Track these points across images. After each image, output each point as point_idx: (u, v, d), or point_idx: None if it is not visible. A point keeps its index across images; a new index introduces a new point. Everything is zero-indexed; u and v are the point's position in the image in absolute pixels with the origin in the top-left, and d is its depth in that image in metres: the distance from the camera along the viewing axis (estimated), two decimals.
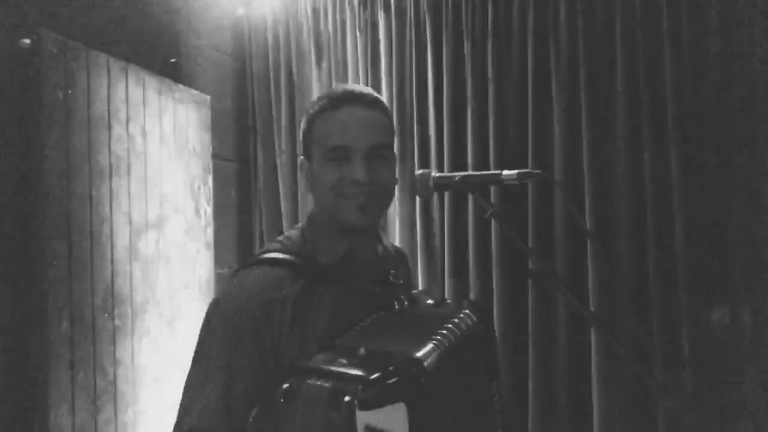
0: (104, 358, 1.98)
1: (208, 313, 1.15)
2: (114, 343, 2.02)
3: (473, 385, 1.14)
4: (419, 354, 0.97)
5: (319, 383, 0.95)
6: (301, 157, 1.26)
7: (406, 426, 0.90)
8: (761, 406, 2.55)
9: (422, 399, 0.93)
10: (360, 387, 0.91)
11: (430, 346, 1.00)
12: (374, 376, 0.92)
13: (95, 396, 1.93)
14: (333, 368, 0.98)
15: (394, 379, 0.91)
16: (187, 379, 1.12)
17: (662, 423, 2.62)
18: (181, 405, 1.11)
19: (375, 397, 0.90)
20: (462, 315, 1.11)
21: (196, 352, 1.13)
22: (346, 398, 0.91)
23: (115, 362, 2.03)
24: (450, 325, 1.06)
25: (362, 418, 0.90)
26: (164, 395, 2.25)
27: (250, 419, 1.11)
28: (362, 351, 0.99)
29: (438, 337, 1.02)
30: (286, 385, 0.98)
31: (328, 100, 1.22)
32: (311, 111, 1.24)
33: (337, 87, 1.26)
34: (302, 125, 1.26)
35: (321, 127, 1.20)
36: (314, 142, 1.21)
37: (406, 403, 0.91)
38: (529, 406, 2.73)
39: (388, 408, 0.90)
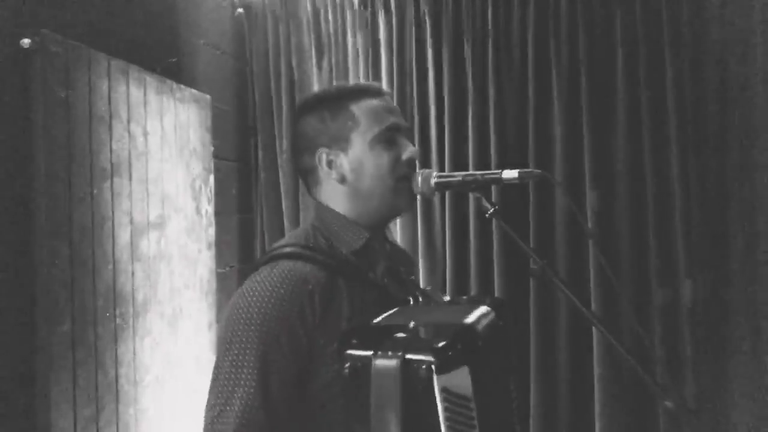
0: (106, 357, 1.98)
1: (235, 313, 1.11)
2: (115, 343, 2.03)
3: (496, 373, 1.17)
4: (469, 321, 1.04)
5: (390, 355, 0.96)
6: (322, 148, 1.22)
7: (471, 387, 0.96)
8: (761, 405, 2.54)
9: (477, 363, 0.99)
10: (431, 354, 0.95)
11: (474, 315, 1.07)
12: (441, 343, 0.96)
13: (97, 395, 1.93)
14: (395, 341, 0.98)
15: (460, 345, 0.97)
16: (217, 379, 1.09)
17: (662, 423, 2.62)
18: (216, 404, 1.07)
19: (447, 361, 0.95)
20: (483, 308, 1.14)
21: (226, 351, 1.09)
22: (423, 365, 0.94)
23: (117, 362, 2.03)
24: (476, 313, 1.11)
25: (439, 382, 0.95)
26: (166, 395, 2.25)
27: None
28: (412, 324, 1.02)
29: (473, 316, 1.08)
30: (348, 364, 0.99)
31: (360, 90, 1.23)
32: (342, 99, 1.22)
33: (356, 82, 1.28)
34: (328, 113, 1.22)
35: (364, 112, 1.20)
36: (356, 127, 1.20)
37: (469, 366, 0.97)
38: (530, 405, 2.74)
39: (457, 371, 0.96)
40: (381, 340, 0.99)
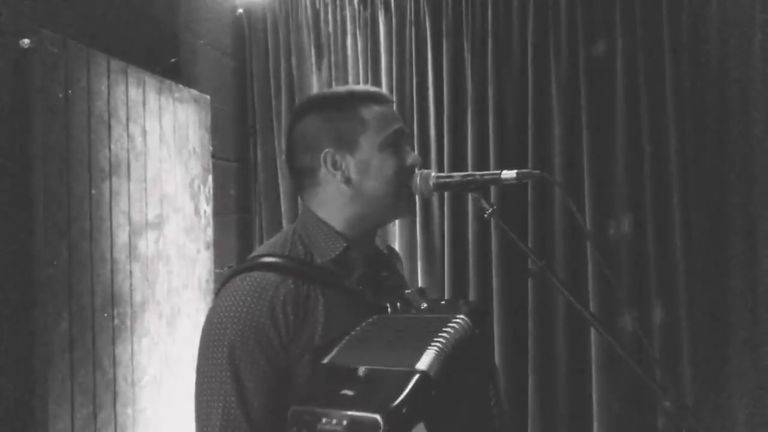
0: (104, 357, 1.98)
1: (208, 329, 1.11)
2: (113, 343, 2.03)
3: (470, 390, 1.13)
4: (423, 366, 0.96)
5: (334, 423, 0.90)
6: (328, 149, 1.19)
7: None
8: (759, 404, 2.55)
9: (433, 408, 0.94)
10: (381, 420, 0.88)
11: (431, 353, 0.98)
12: (393, 405, 0.89)
13: (94, 395, 1.93)
14: (342, 401, 0.92)
15: (411, 405, 0.90)
16: (201, 395, 1.09)
17: (660, 422, 2.62)
18: (199, 419, 1.08)
19: (397, 426, 0.89)
20: (457, 321, 1.09)
21: (203, 367, 1.10)
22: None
23: (115, 362, 2.03)
24: (446, 333, 1.04)
25: None
26: (163, 395, 2.25)
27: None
28: (362, 371, 0.96)
29: (436, 345, 1.00)
30: (295, 429, 0.94)
31: (369, 95, 1.24)
32: (352, 101, 1.22)
33: (366, 88, 1.27)
34: (336, 113, 1.21)
35: (373, 116, 1.20)
36: (365, 130, 1.19)
37: (424, 420, 0.91)
38: (529, 406, 2.74)
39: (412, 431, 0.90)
40: (328, 392, 0.94)
